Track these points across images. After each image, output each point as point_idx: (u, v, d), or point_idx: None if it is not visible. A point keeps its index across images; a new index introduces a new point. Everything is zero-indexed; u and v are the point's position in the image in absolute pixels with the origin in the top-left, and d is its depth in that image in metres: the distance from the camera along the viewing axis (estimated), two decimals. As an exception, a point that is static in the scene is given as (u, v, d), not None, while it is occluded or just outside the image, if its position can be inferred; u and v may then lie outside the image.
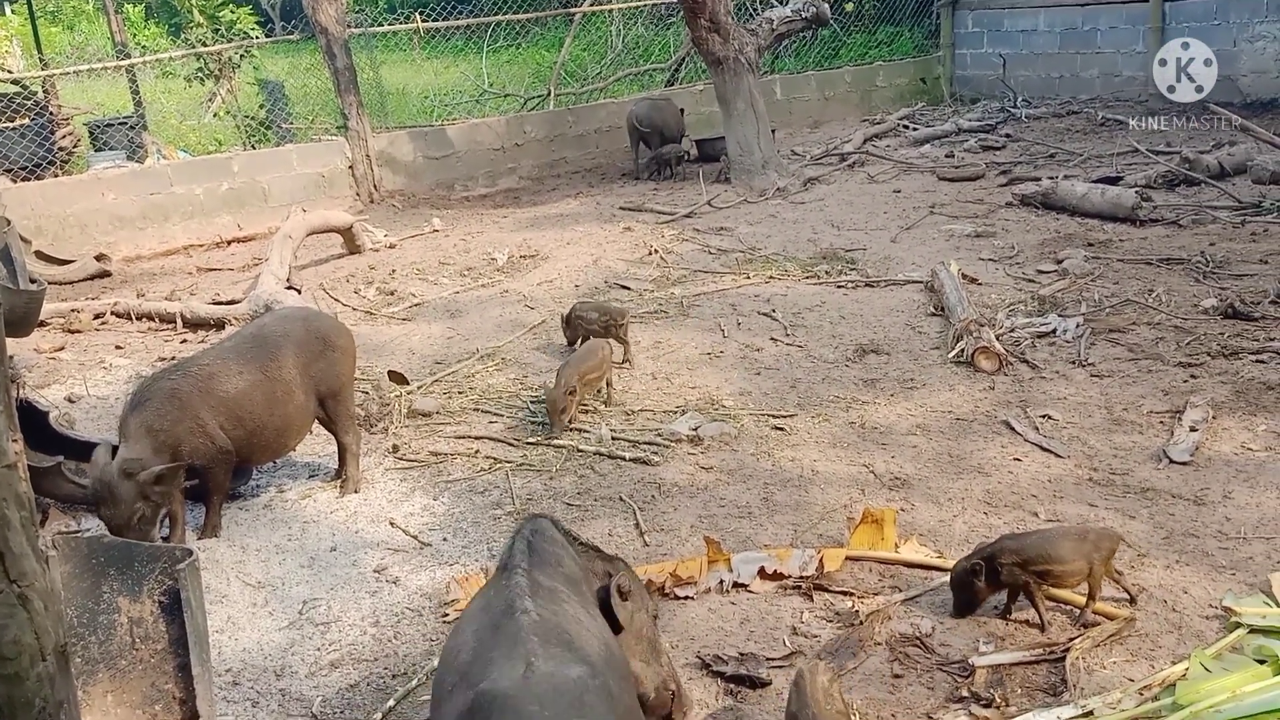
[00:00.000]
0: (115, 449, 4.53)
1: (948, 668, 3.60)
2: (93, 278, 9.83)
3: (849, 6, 16.32)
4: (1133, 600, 3.84)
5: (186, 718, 3.09)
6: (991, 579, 3.77)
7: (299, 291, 8.27)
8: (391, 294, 8.56)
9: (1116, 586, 3.86)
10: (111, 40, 14.24)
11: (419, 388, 6.41)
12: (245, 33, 13.79)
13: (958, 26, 16.35)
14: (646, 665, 3.06)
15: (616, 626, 2.93)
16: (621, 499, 4.92)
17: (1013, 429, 5.35)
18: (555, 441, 5.55)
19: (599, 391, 6.01)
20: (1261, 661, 3.44)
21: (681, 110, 12.72)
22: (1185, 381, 5.72)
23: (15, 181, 10.85)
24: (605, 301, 6.84)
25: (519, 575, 2.68)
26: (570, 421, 5.64)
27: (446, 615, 4.11)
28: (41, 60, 13.60)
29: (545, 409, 5.70)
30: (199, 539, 4.80)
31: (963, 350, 6.21)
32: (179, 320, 8.09)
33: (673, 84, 15.20)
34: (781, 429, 5.57)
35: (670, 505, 4.82)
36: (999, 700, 3.38)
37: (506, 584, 2.67)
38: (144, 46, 16.33)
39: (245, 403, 4.80)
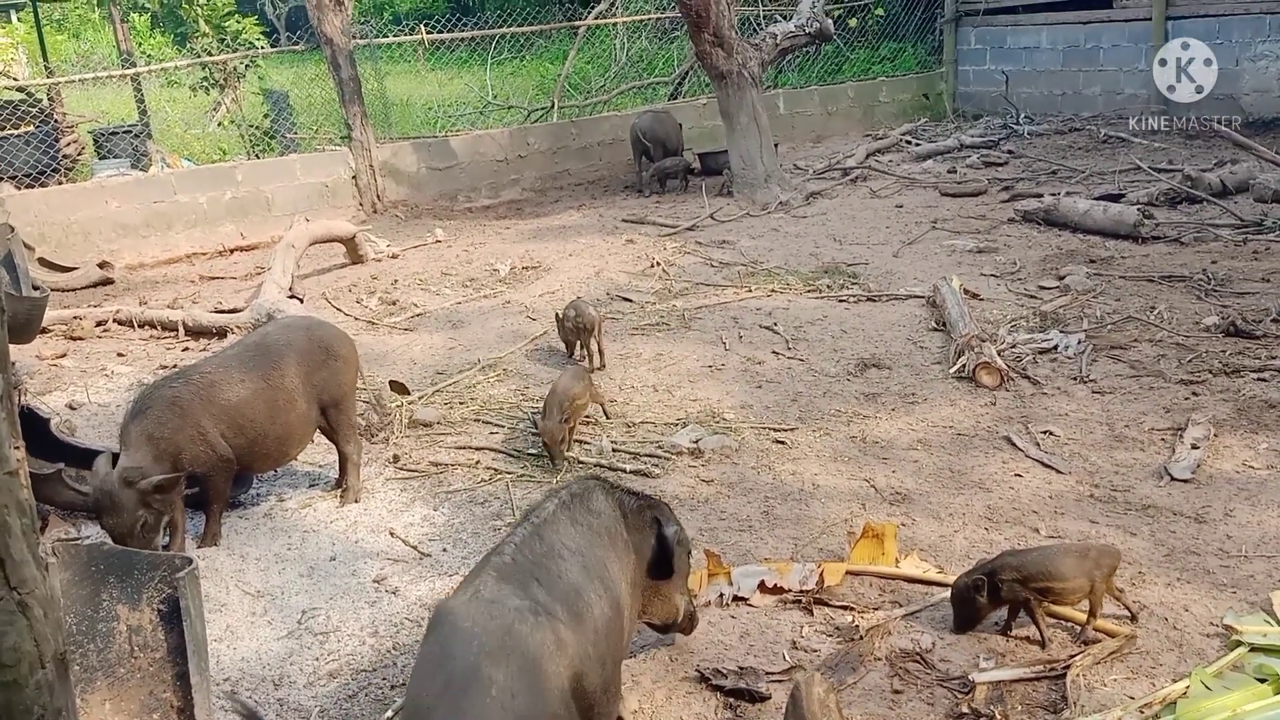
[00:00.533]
0: (116, 457, 4.53)
1: (948, 684, 3.59)
2: (95, 285, 9.86)
3: (853, 22, 16.38)
4: (1134, 618, 3.83)
5: (184, 727, 3.09)
6: (992, 595, 3.77)
7: (301, 300, 8.29)
8: (393, 304, 8.57)
9: (1117, 604, 3.85)
10: (117, 49, 14.33)
11: (420, 398, 6.41)
12: (250, 43, 13.86)
13: (961, 43, 16.41)
14: (681, 596, 3.64)
15: (669, 571, 3.46)
16: (622, 511, 4.91)
17: (1014, 445, 5.35)
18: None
19: (589, 414, 5.95)
20: (1262, 680, 3.43)
21: (680, 125, 12.79)
22: (1187, 399, 5.72)
23: (20, 188, 10.90)
24: (584, 305, 6.88)
25: (523, 529, 3.06)
26: (568, 449, 5.53)
27: (445, 626, 4.10)
28: (47, 68, 13.67)
29: (543, 444, 5.44)
30: (199, 547, 4.79)
31: (964, 365, 6.20)
32: (181, 328, 8.10)
33: (676, 97, 15.26)
34: (782, 442, 5.56)
35: (671, 518, 4.81)
36: (999, 717, 3.36)
37: (509, 533, 3.09)
38: (149, 55, 16.43)
39: (247, 411, 4.80)
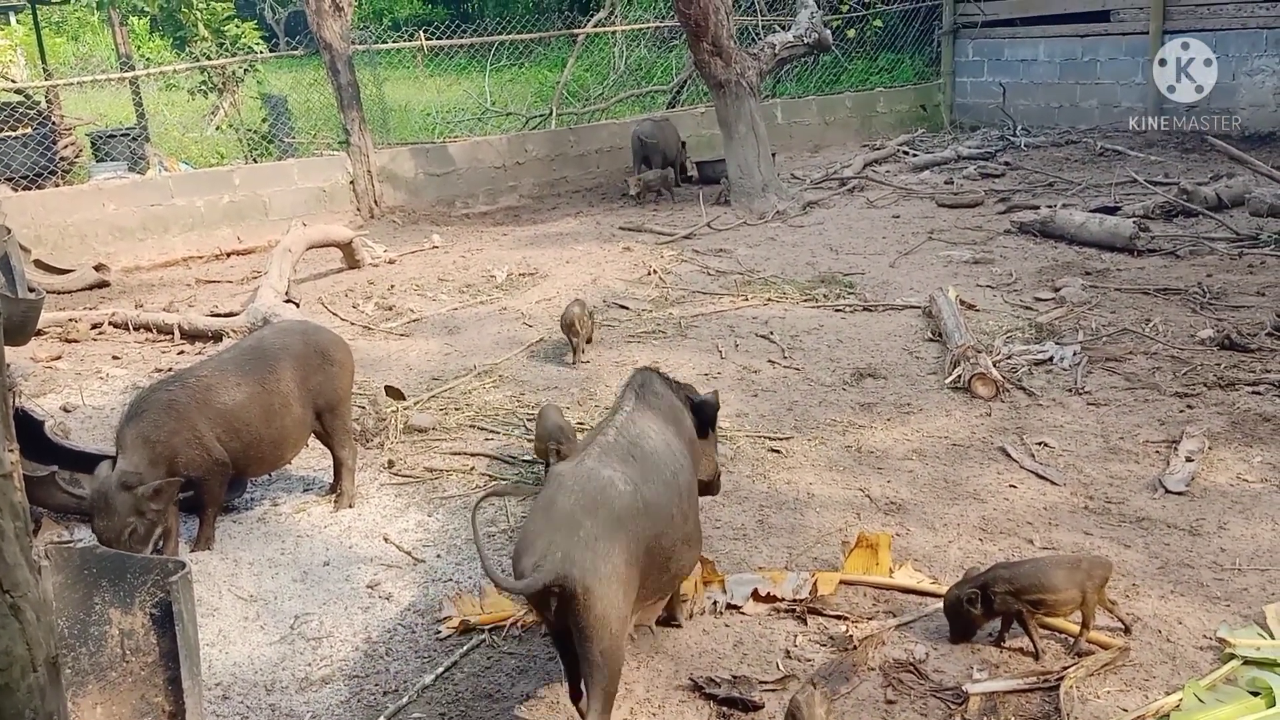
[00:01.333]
0: (115, 461, 4.52)
1: (941, 695, 3.59)
2: (91, 287, 9.84)
3: (851, 33, 16.43)
4: (1127, 630, 3.83)
5: (175, 731, 3.07)
6: (985, 607, 3.76)
7: (297, 305, 8.28)
8: (390, 309, 8.57)
9: (1111, 616, 3.85)
10: (116, 52, 14.35)
11: (415, 403, 6.41)
12: (249, 47, 13.88)
13: (958, 54, 16.47)
14: (710, 461, 4.26)
15: (705, 432, 4.13)
16: (616, 519, 4.91)
17: (1009, 456, 5.35)
18: (551, 460, 5.54)
19: None
20: (1255, 694, 3.43)
21: (679, 134, 12.85)
22: (1181, 411, 5.73)
23: (16, 190, 10.88)
24: (570, 305, 7.06)
25: (621, 414, 3.73)
26: None
27: (439, 632, 4.09)
28: (45, 70, 13.69)
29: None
30: (192, 551, 4.78)
31: (960, 376, 6.21)
32: (176, 331, 8.09)
33: (674, 106, 15.29)
34: (778, 451, 5.56)
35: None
36: (992, 728, 3.36)
37: (608, 418, 3.77)
38: (148, 59, 16.43)
39: (242, 415, 4.79)
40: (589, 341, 7.17)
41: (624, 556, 3.21)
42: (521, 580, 3.13)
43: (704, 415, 4.11)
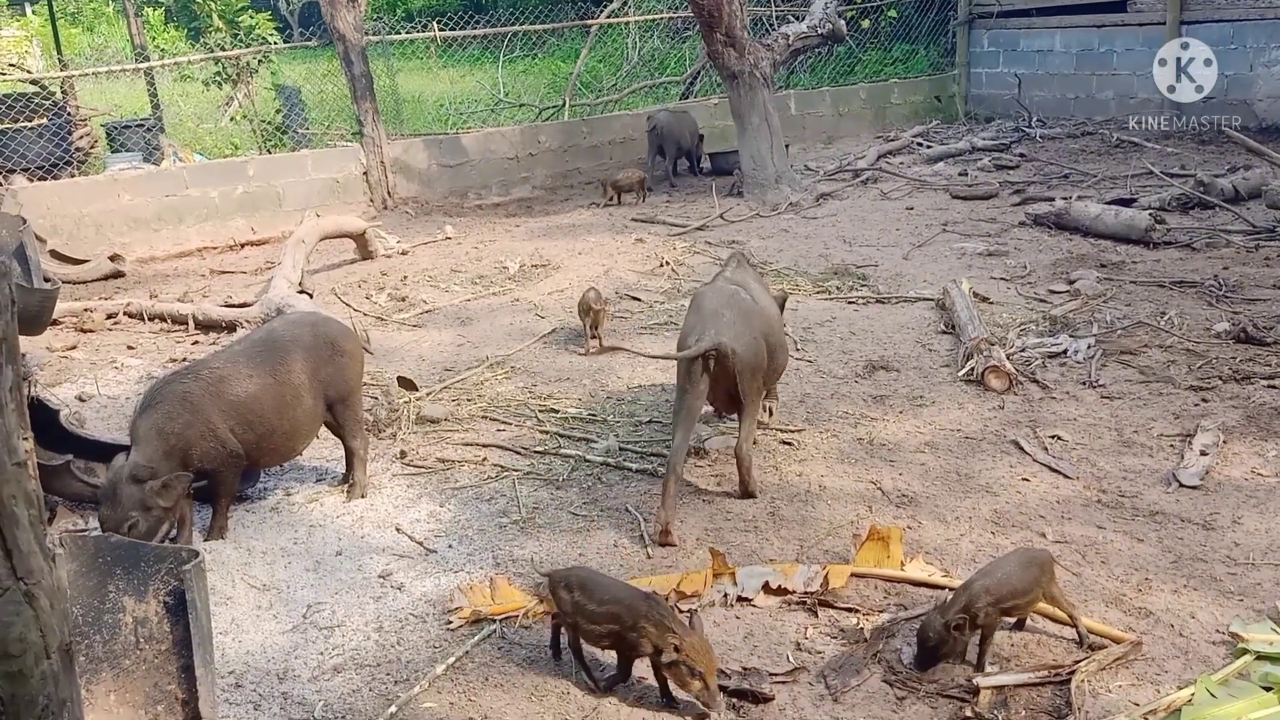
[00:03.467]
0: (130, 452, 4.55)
1: (951, 688, 3.58)
2: (106, 278, 9.88)
3: (865, 23, 16.35)
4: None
5: (189, 719, 3.09)
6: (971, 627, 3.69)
7: (311, 296, 8.30)
8: (403, 300, 8.58)
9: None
10: (131, 42, 14.38)
11: (428, 394, 6.42)
12: (263, 38, 13.88)
13: (973, 45, 16.38)
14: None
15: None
16: (628, 510, 4.92)
17: (1022, 449, 5.33)
18: (563, 451, 5.56)
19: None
20: (1268, 689, 3.41)
21: (697, 124, 12.83)
22: (1196, 405, 5.70)
23: (32, 181, 10.93)
24: (587, 290, 7.19)
25: (729, 268, 5.38)
26: None
27: (450, 622, 4.11)
28: (61, 61, 13.71)
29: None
30: (205, 540, 4.81)
31: (973, 369, 6.19)
32: (191, 322, 8.12)
33: (688, 97, 15.26)
34: (789, 443, 5.56)
35: (676, 517, 4.80)
36: (1003, 721, 3.35)
37: (721, 270, 5.42)
38: (163, 49, 16.47)
39: (255, 406, 4.81)
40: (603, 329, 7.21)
41: (753, 333, 4.81)
42: (689, 349, 4.65)
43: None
